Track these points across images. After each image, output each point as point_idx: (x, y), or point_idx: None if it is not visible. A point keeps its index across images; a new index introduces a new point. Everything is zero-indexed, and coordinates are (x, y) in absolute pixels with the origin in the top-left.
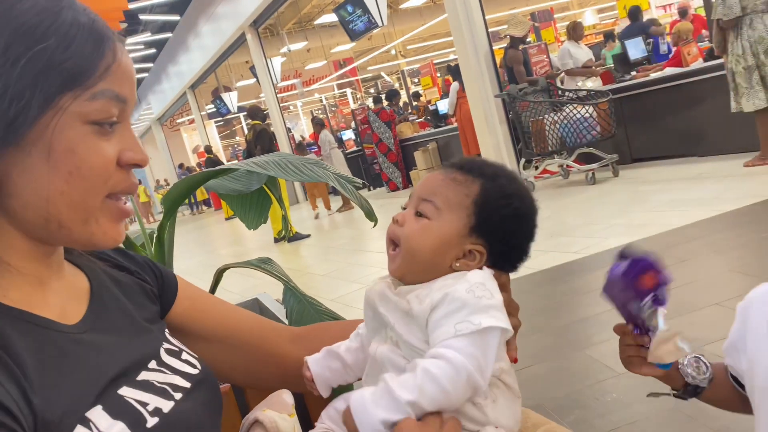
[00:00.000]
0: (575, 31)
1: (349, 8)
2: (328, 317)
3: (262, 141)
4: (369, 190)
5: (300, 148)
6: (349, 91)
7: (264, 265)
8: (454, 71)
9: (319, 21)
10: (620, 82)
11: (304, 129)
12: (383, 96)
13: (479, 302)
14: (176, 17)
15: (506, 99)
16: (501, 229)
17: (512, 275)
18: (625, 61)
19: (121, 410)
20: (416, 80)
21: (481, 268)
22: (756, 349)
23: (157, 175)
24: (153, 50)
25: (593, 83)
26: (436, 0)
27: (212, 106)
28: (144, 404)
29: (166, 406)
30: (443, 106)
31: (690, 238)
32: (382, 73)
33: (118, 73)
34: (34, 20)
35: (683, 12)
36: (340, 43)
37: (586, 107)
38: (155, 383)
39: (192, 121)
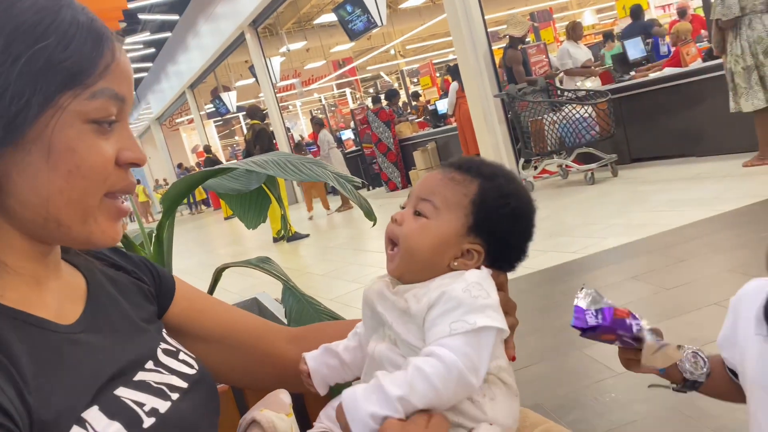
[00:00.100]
0: (574, 31)
1: (349, 8)
2: (327, 317)
3: (261, 141)
4: (368, 189)
5: (298, 148)
6: (348, 90)
7: (263, 264)
8: (454, 71)
9: (318, 21)
10: (619, 82)
11: (303, 129)
12: (382, 96)
13: (475, 302)
14: (175, 17)
15: (505, 99)
16: (499, 229)
17: (511, 275)
18: (624, 62)
19: (117, 410)
20: (415, 80)
21: (479, 268)
22: (745, 344)
23: (156, 174)
24: (152, 50)
25: (592, 83)
26: (435, 0)
27: (211, 105)
28: (140, 404)
29: (163, 406)
30: (442, 105)
31: (689, 238)
32: (382, 73)
33: (117, 72)
34: (34, 19)
35: (682, 12)
36: (340, 42)
37: (585, 107)
38: (152, 383)
39: (191, 121)
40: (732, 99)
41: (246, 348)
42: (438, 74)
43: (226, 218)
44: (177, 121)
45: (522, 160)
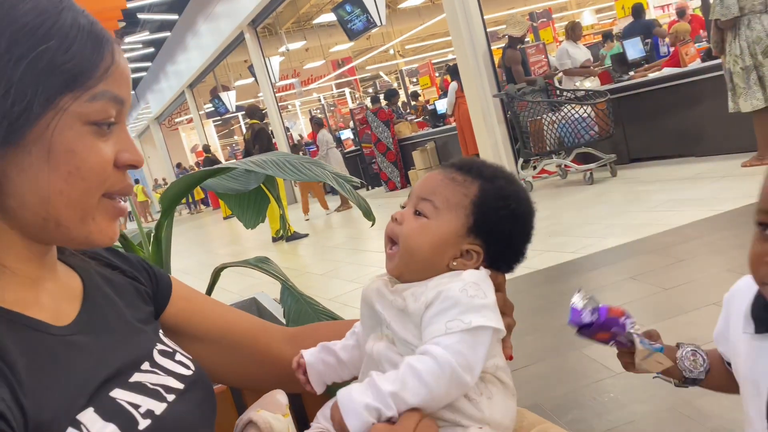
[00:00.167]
0: (574, 31)
1: (348, 8)
2: (325, 317)
3: (260, 140)
4: (367, 189)
5: (295, 149)
6: (347, 90)
7: (262, 264)
8: (453, 71)
9: (317, 20)
10: (618, 82)
11: (302, 128)
12: (381, 96)
13: (472, 301)
14: (174, 16)
15: (504, 99)
16: (498, 230)
17: (509, 275)
18: (623, 62)
19: (112, 412)
20: (415, 80)
21: (477, 268)
22: (736, 339)
23: (155, 174)
24: (151, 49)
25: (591, 83)
26: (434, 0)
27: (210, 105)
28: (136, 406)
29: (159, 408)
30: (442, 105)
31: (688, 238)
32: (381, 73)
33: (117, 75)
34: (36, 21)
35: (681, 12)
36: (339, 42)
37: (585, 107)
38: (148, 385)
39: (190, 121)
40: (731, 99)
41: (243, 348)
42: (437, 74)
43: (225, 218)
44: (176, 120)
45: (521, 160)
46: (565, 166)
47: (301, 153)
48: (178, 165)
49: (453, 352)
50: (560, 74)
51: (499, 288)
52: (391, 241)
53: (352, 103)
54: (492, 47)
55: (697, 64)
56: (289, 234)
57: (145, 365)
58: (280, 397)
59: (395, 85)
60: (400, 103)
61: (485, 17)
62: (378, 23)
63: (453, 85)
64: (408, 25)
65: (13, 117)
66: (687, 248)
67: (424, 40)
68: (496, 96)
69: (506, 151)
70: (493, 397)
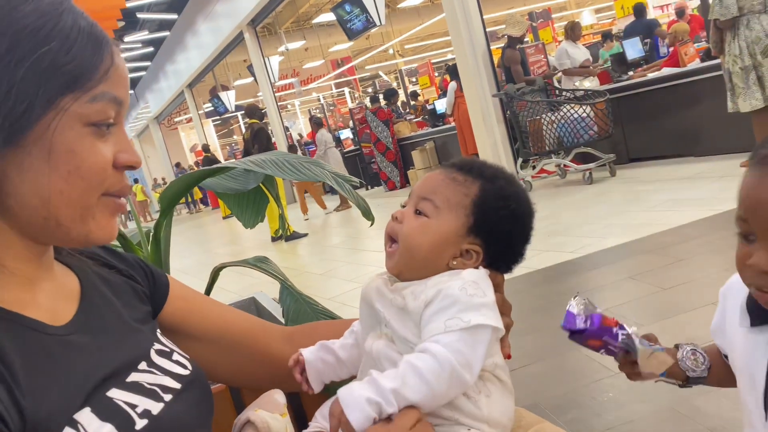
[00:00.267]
0: (573, 31)
1: (347, 7)
2: (324, 316)
3: (259, 140)
4: (366, 189)
5: (292, 149)
6: (347, 90)
7: (261, 263)
8: (452, 71)
9: (317, 20)
10: (617, 82)
11: (302, 128)
12: (381, 95)
13: (471, 300)
14: (174, 16)
15: (504, 99)
16: (498, 230)
17: (508, 275)
18: (622, 61)
19: (109, 412)
20: (414, 79)
21: (477, 268)
22: (732, 333)
23: (154, 173)
24: (151, 49)
25: (591, 83)
26: (433, 0)
27: (210, 105)
28: (133, 406)
29: (156, 407)
30: (441, 105)
31: (687, 238)
32: (380, 73)
33: (116, 77)
34: (38, 23)
35: (681, 12)
36: (338, 42)
37: (584, 107)
38: (145, 385)
39: (190, 120)
40: (730, 99)
41: (241, 347)
42: (437, 74)
43: (224, 217)
44: (175, 120)
45: (520, 160)
46: (564, 165)
47: (300, 152)
48: (177, 165)
49: (452, 351)
50: (559, 74)
51: (497, 288)
52: (391, 239)
53: (352, 102)
54: (491, 47)
55: (696, 64)
56: (289, 233)
57: (143, 365)
58: (278, 396)
59: (395, 84)
60: (399, 103)
61: (484, 17)
62: (377, 23)
63: (452, 85)
64: (407, 25)
65: (14, 118)
66: (686, 248)
67: (423, 39)
68: (495, 96)
69: (505, 150)
70: (492, 396)
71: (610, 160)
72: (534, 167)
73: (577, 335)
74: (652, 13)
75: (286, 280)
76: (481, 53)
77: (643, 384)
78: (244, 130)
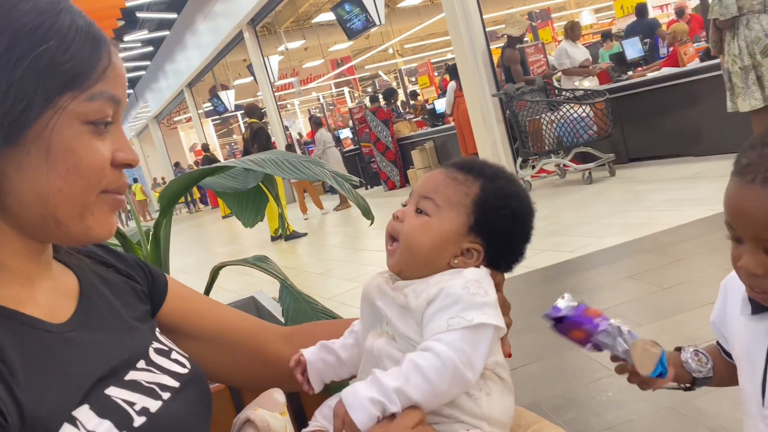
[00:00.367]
0: (573, 31)
1: (347, 7)
2: (324, 315)
3: (259, 139)
4: (366, 188)
5: (289, 149)
6: (346, 89)
7: (260, 263)
8: (452, 70)
9: (316, 19)
10: (617, 81)
11: (301, 127)
12: (380, 95)
13: (473, 299)
14: (173, 15)
15: (503, 98)
16: (499, 229)
17: (508, 274)
18: (622, 61)
19: (107, 409)
20: (414, 79)
21: (478, 267)
22: (733, 321)
23: (154, 173)
24: (150, 48)
25: (590, 83)
26: None
27: (209, 104)
28: (131, 404)
29: (154, 405)
30: (441, 105)
31: (686, 238)
32: (380, 72)
33: (113, 75)
34: (36, 22)
35: (680, 12)
36: (338, 41)
37: (583, 107)
38: (143, 383)
39: (189, 120)
40: (729, 99)
41: (239, 347)
42: (436, 73)
43: (223, 217)
44: (175, 119)
45: (520, 160)
46: (564, 165)
47: (299, 152)
48: (176, 164)
49: (454, 349)
50: (559, 74)
51: (497, 287)
52: (392, 238)
53: (351, 102)
54: (491, 47)
55: (695, 63)
56: (288, 233)
57: (141, 363)
58: (277, 395)
59: (394, 84)
60: (399, 103)
61: (484, 17)
62: (377, 22)
63: (452, 85)
64: (407, 25)
65: (13, 116)
66: (685, 247)
67: (423, 39)
68: (494, 95)
69: (505, 150)
70: (493, 394)
71: (610, 159)
72: (533, 167)
73: (559, 326)
74: (651, 13)
75: (285, 279)
76: (481, 53)
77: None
78: (243, 130)
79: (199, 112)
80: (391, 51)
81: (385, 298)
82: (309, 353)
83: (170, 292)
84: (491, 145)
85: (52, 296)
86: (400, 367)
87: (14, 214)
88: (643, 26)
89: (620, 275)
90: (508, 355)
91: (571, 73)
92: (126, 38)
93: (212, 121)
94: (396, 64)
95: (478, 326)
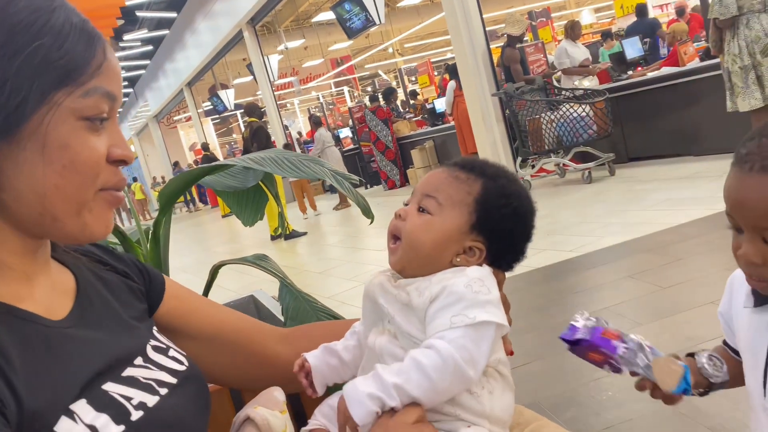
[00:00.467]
0: (573, 30)
1: (347, 6)
2: (324, 314)
3: (258, 138)
4: (366, 188)
5: (287, 148)
6: (346, 89)
7: (260, 262)
8: (452, 70)
9: (316, 19)
10: (617, 81)
11: (301, 126)
12: (380, 94)
13: (476, 297)
14: (173, 14)
15: (503, 98)
16: (500, 228)
17: (508, 273)
18: (622, 61)
19: (105, 404)
20: (413, 78)
21: (480, 265)
22: (738, 314)
23: (153, 172)
24: (150, 47)
25: (590, 82)
26: None
27: (209, 103)
28: (128, 398)
29: (151, 400)
30: (440, 104)
31: (686, 237)
32: (380, 72)
33: (108, 72)
34: (30, 18)
35: (680, 11)
36: (338, 41)
37: (583, 106)
38: (140, 379)
39: (189, 119)
40: (729, 98)
41: (237, 347)
42: (436, 73)
43: (223, 216)
44: (175, 118)
45: (519, 159)
46: (564, 164)
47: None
48: (175, 164)
49: (457, 347)
50: (559, 73)
51: (498, 286)
52: (394, 237)
53: (351, 101)
54: (491, 46)
55: (695, 63)
56: (288, 232)
57: (138, 360)
58: (277, 393)
59: (394, 83)
60: (399, 102)
61: (484, 16)
62: (377, 22)
63: (451, 84)
64: (407, 24)
65: (8, 111)
66: (685, 247)
67: (423, 38)
68: (494, 95)
69: (505, 149)
70: (494, 392)
71: (609, 159)
72: (533, 166)
73: (576, 348)
74: (651, 13)
75: (285, 278)
76: (481, 52)
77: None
78: (243, 129)
79: (199, 111)
80: (390, 50)
81: (387, 296)
82: (313, 358)
83: (168, 293)
84: (491, 144)
85: (49, 294)
86: (402, 364)
87: (11, 210)
88: (644, 26)
89: (620, 274)
90: (510, 353)
91: (571, 73)
92: (126, 37)
93: (212, 120)
94: (396, 64)
95: (481, 324)
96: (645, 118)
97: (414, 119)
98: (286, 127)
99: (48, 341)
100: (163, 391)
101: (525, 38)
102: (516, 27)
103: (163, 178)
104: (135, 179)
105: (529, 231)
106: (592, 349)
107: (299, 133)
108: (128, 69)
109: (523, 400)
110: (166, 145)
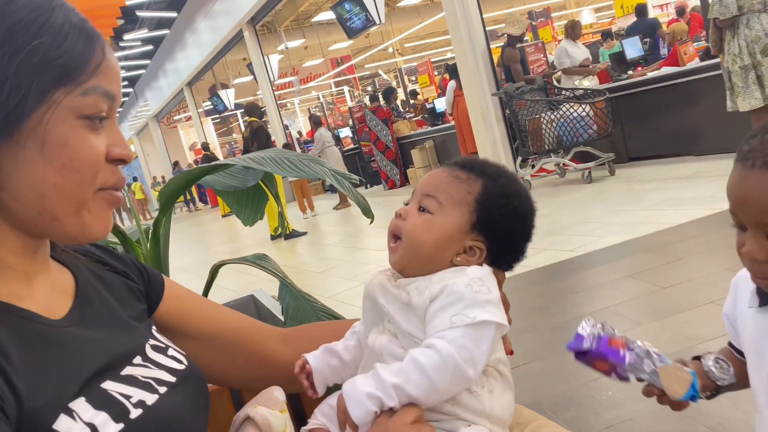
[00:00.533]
0: (573, 30)
1: (347, 6)
2: (324, 314)
3: (258, 138)
4: (366, 188)
5: (286, 147)
6: (346, 88)
7: (260, 261)
8: (452, 70)
9: (316, 18)
10: (617, 81)
11: (301, 126)
12: (380, 94)
13: (476, 297)
14: (173, 14)
15: (503, 97)
16: (500, 227)
17: (507, 273)
18: (622, 61)
19: (104, 402)
20: (413, 78)
21: (480, 265)
22: (743, 315)
23: (153, 171)
24: (150, 47)
25: (590, 82)
26: None
27: (209, 103)
28: (127, 397)
29: (150, 399)
30: (440, 104)
31: (685, 237)
32: (380, 71)
33: (107, 71)
34: (30, 17)
35: (681, 11)
36: (338, 40)
37: (583, 106)
38: (139, 377)
39: (189, 118)
40: (729, 98)
41: (236, 347)
42: (436, 73)
43: (223, 216)
44: (175, 118)
45: (519, 159)
46: (564, 164)
47: (298, 151)
48: (175, 164)
49: (457, 346)
50: (559, 73)
51: (498, 285)
52: (395, 236)
53: (351, 101)
54: (491, 46)
55: (695, 63)
56: (288, 232)
57: (137, 359)
58: (277, 393)
59: (394, 83)
60: (399, 102)
61: (484, 16)
62: (377, 21)
63: (451, 84)
64: (407, 24)
65: (8, 109)
66: (685, 247)
67: (423, 38)
68: (494, 94)
69: (505, 149)
70: (494, 391)
71: (609, 159)
72: (533, 166)
73: (582, 357)
74: (651, 13)
75: (285, 277)
76: (481, 52)
77: (642, 383)
78: (243, 129)
79: (199, 110)
80: (391, 50)
81: (387, 295)
82: (314, 359)
83: (167, 293)
84: (491, 144)
85: (49, 293)
86: (401, 363)
87: (11, 210)
88: (644, 26)
89: (620, 274)
90: (510, 353)
91: (571, 73)
92: (126, 37)
93: (212, 119)
94: (396, 63)
95: (481, 323)
96: (645, 118)
97: (414, 119)
98: (286, 127)
99: (47, 340)
100: (163, 389)
101: (525, 38)
102: (516, 27)
103: (163, 177)
104: (135, 179)
105: (529, 231)
106: (599, 357)
107: (299, 133)
108: (128, 69)
109: (523, 400)
110: (166, 144)
